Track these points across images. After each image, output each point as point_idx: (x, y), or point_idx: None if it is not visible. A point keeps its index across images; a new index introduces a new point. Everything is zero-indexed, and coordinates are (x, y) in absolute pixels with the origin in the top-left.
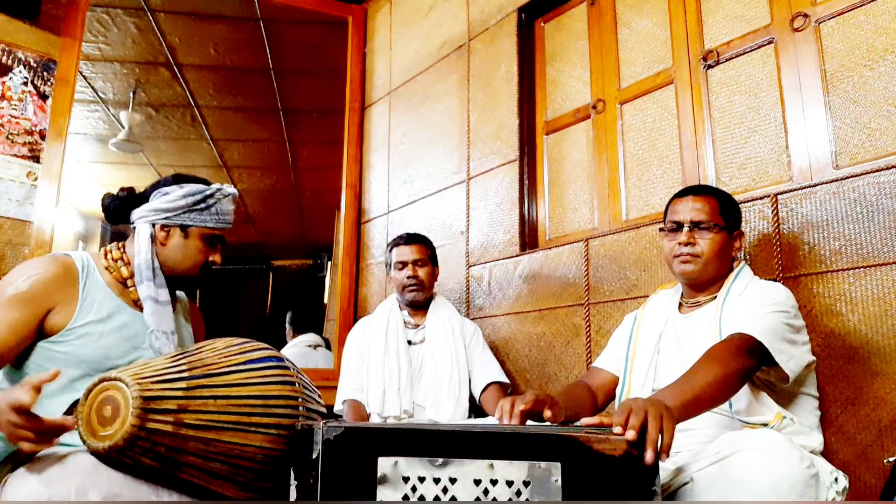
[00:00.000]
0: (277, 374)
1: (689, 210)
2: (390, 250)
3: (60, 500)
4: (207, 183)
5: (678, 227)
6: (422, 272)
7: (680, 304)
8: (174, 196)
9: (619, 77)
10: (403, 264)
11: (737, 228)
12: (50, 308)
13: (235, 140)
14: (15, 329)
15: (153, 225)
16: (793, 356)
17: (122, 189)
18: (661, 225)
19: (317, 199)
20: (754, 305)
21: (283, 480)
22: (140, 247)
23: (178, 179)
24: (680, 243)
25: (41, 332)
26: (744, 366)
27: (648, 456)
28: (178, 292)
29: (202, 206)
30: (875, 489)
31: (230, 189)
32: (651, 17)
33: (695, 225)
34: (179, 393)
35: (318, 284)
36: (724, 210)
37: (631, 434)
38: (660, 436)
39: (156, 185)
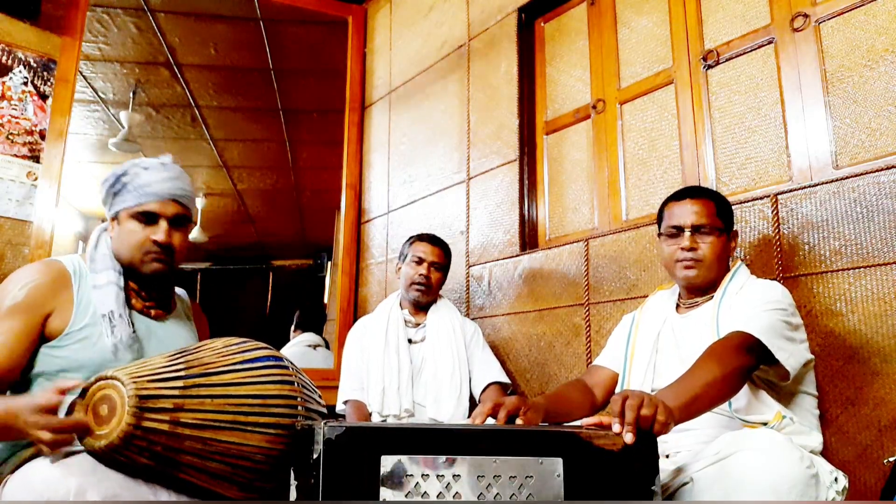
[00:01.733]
0: (276, 374)
1: (690, 213)
2: (411, 243)
3: (60, 500)
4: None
5: (678, 231)
6: (434, 276)
7: (677, 305)
8: (101, 188)
9: (619, 77)
10: (420, 261)
11: (732, 229)
12: (48, 314)
13: (235, 140)
14: (19, 338)
15: (107, 221)
16: (792, 353)
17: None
18: (659, 230)
19: (317, 199)
20: (752, 304)
21: (282, 480)
22: (90, 242)
23: None
24: (683, 248)
25: (42, 337)
26: (743, 364)
27: (627, 438)
28: (179, 291)
29: (118, 188)
30: (875, 489)
31: (151, 160)
32: (651, 17)
33: (696, 229)
34: (176, 392)
35: (318, 284)
36: (720, 212)
37: (629, 438)
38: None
39: None
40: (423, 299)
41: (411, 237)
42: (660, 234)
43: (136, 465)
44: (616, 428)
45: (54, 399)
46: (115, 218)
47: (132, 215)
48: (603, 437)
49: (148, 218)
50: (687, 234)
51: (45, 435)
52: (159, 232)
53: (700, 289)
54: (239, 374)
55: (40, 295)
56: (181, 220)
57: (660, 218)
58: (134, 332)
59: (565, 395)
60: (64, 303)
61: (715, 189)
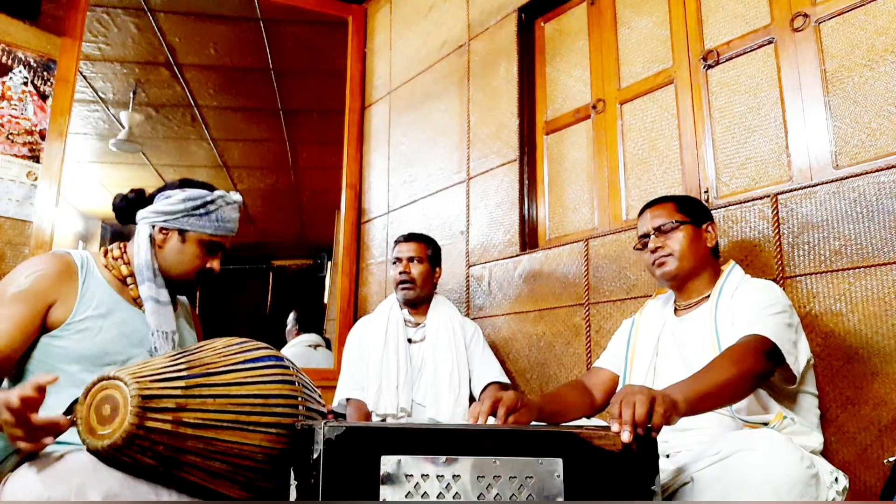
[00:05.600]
0: (277, 374)
1: (649, 220)
2: (393, 247)
3: (60, 499)
4: (213, 189)
5: (646, 238)
6: (415, 270)
7: (675, 308)
8: (174, 199)
9: (619, 77)
10: (398, 260)
11: (706, 221)
12: (51, 303)
13: (235, 140)
14: (20, 326)
15: (153, 227)
16: (796, 356)
17: (131, 190)
18: (635, 244)
19: (317, 199)
20: (755, 306)
21: (283, 480)
22: (139, 247)
23: (184, 184)
24: (651, 251)
25: (43, 327)
26: (760, 368)
27: (624, 436)
28: (181, 297)
29: (201, 211)
30: (875, 489)
31: (234, 196)
32: (651, 17)
33: (658, 230)
34: (178, 392)
35: (318, 284)
36: (682, 208)
37: (626, 436)
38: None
39: (163, 188)
40: (412, 295)
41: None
42: (635, 248)
43: (139, 464)
44: (615, 427)
45: (29, 393)
46: (174, 231)
47: (202, 241)
48: (603, 437)
49: (215, 247)
50: (651, 237)
51: (15, 431)
52: (216, 262)
53: (682, 282)
54: (240, 374)
55: (45, 284)
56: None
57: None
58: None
59: (561, 396)
60: (68, 294)
61: (715, 189)
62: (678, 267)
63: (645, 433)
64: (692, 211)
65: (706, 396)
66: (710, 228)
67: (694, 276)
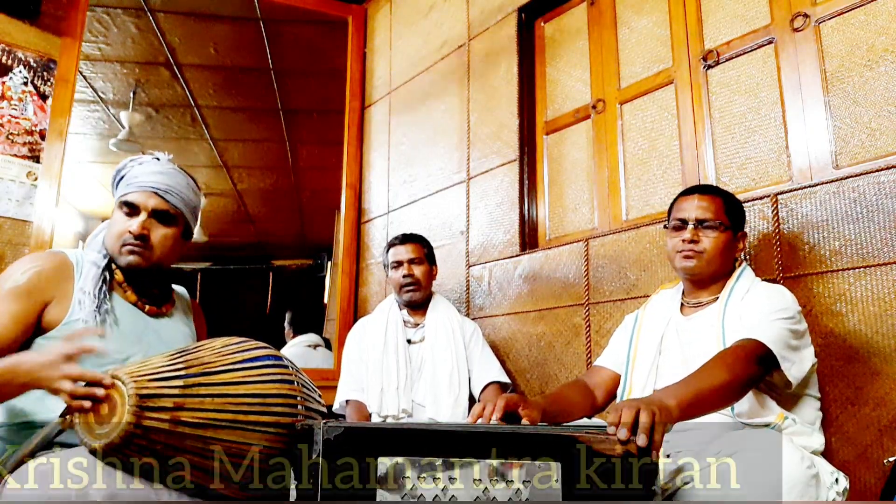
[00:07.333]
0: (276, 373)
1: (695, 208)
2: (386, 252)
3: (60, 499)
4: None
5: (683, 224)
6: (417, 271)
7: (682, 305)
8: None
9: (619, 77)
10: (399, 264)
11: (741, 229)
12: (47, 301)
13: (235, 140)
14: (16, 321)
15: None
16: (795, 363)
17: None
18: (665, 222)
19: (317, 199)
20: (762, 310)
21: (282, 479)
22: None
23: None
24: (684, 240)
25: (38, 327)
26: (751, 373)
27: (640, 440)
28: (179, 289)
29: (118, 180)
30: (875, 489)
31: (147, 157)
32: (651, 17)
33: (700, 223)
34: (176, 391)
35: (318, 284)
36: (729, 210)
37: (623, 433)
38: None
39: None
40: (419, 296)
41: (385, 246)
42: (665, 227)
43: (138, 463)
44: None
45: (73, 347)
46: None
47: (119, 205)
48: (602, 442)
49: (131, 209)
50: (690, 226)
51: (66, 384)
52: (134, 223)
53: (699, 281)
54: (239, 374)
55: (41, 281)
56: (164, 217)
57: (669, 212)
58: (100, 313)
59: (564, 396)
60: (64, 293)
61: None
62: (702, 268)
63: (646, 451)
64: (735, 216)
65: (697, 401)
66: (742, 240)
67: (712, 281)
